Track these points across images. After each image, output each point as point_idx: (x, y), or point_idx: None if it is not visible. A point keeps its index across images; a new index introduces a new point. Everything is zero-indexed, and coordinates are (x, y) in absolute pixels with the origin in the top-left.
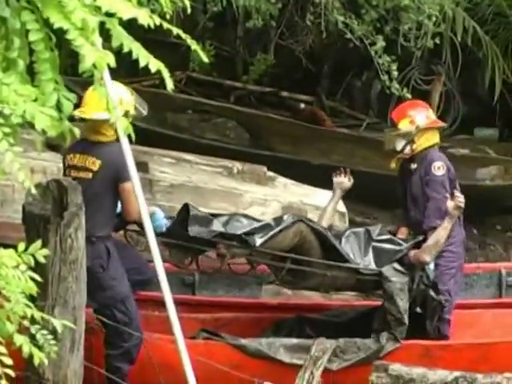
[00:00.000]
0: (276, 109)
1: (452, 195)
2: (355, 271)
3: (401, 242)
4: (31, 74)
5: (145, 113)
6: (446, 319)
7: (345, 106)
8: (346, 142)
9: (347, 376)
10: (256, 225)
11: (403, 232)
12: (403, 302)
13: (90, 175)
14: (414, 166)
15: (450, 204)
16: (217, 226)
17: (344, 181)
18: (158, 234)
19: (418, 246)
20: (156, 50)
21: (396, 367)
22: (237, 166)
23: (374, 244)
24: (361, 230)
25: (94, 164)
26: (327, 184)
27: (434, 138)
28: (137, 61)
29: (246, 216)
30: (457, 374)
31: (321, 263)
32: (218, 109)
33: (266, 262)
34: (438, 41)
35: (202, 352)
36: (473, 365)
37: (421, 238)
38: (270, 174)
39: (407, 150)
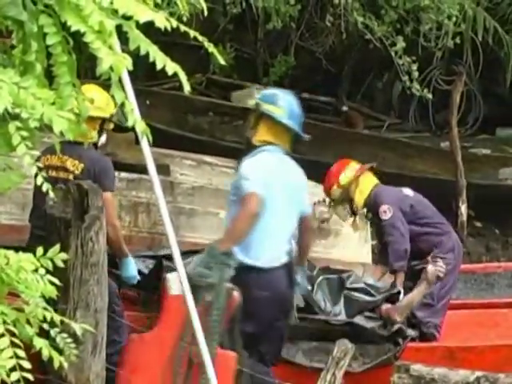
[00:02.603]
0: None
1: (435, 260)
2: (324, 322)
3: (373, 291)
4: (49, 77)
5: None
6: (428, 323)
7: (365, 107)
8: (368, 143)
9: (368, 378)
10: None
11: (378, 272)
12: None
13: (71, 176)
14: (369, 215)
15: (429, 270)
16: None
17: (324, 211)
18: (128, 285)
19: (390, 298)
20: (176, 52)
21: (417, 367)
22: None
23: (346, 292)
24: (334, 277)
25: (76, 167)
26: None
27: (368, 183)
28: (155, 64)
29: None
30: (479, 373)
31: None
32: (239, 111)
33: None
34: (458, 41)
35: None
36: (497, 366)
37: (394, 290)
38: None
39: (354, 209)
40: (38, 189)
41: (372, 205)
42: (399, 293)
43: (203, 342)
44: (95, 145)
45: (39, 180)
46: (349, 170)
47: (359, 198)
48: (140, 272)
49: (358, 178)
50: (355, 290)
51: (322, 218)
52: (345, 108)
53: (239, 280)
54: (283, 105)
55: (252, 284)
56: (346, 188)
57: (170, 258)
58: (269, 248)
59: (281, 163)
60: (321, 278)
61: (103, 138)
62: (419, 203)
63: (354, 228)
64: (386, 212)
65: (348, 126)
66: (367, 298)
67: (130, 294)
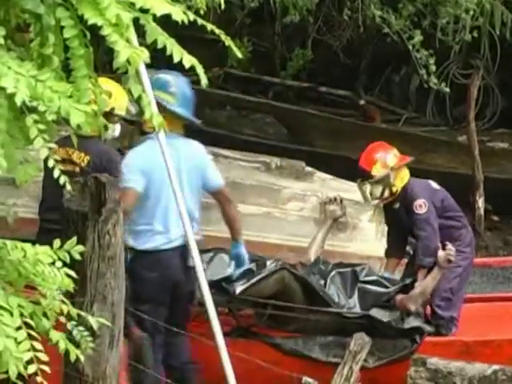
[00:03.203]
0: (314, 104)
1: (443, 246)
2: (339, 315)
3: (388, 283)
4: (66, 70)
5: (134, 111)
6: (447, 317)
7: (383, 100)
8: (385, 136)
9: (383, 373)
10: (237, 271)
11: (391, 265)
12: (410, 321)
13: (77, 169)
14: (396, 205)
15: (440, 255)
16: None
17: (336, 209)
18: None
19: (404, 289)
20: (194, 46)
21: (434, 361)
22: (275, 161)
23: (360, 285)
24: (347, 270)
25: (82, 159)
26: None
27: (406, 175)
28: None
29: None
30: (496, 367)
31: (303, 308)
32: (256, 104)
33: (246, 309)
34: (476, 34)
35: (239, 350)
36: None
37: (408, 281)
38: (309, 169)
39: (386, 194)
40: (47, 181)
41: (405, 196)
42: (413, 283)
43: None
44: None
45: (56, 173)
46: (394, 154)
47: (399, 184)
48: None
49: (402, 166)
50: (369, 282)
51: (334, 217)
52: (362, 102)
53: (131, 263)
54: (175, 91)
55: (141, 266)
56: (391, 169)
57: None
58: (158, 232)
59: (171, 149)
60: (333, 272)
61: (115, 131)
62: (446, 197)
63: (371, 218)
64: (422, 206)
65: (365, 119)
66: (381, 289)
67: None
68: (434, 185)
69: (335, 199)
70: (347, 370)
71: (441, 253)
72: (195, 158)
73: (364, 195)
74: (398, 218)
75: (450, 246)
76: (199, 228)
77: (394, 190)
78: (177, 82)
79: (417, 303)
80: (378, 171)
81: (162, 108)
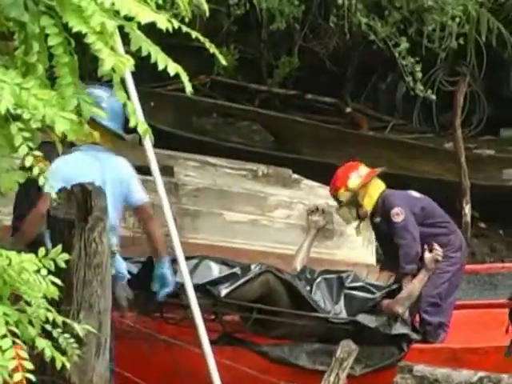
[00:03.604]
0: (301, 111)
1: (430, 248)
2: (325, 320)
3: (374, 289)
4: (51, 78)
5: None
6: (435, 323)
7: (369, 107)
8: (372, 144)
9: (371, 381)
10: (221, 274)
11: (382, 278)
12: (397, 327)
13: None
14: (377, 219)
15: (427, 256)
16: (181, 276)
17: (319, 219)
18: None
19: (391, 294)
20: (181, 54)
21: (420, 368)
22: (262, 169)
23: (346, 291)
24: (333, 276)
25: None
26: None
27: (377, 188)
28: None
29: (215, 260)
30: (481, 374)
31: (289, 313)
32: (243, 112)
33: (231, 313)
34: (462, 41)
35: (226, 358)
36: (501, 367)
37: (394, 286)
38: (295, 176)
39: (361, 213)
40: (19, 189)
41: (382, 208)
42: (399, 289)
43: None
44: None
45: (41, 180)
46: (358, 174)
47: (368, 202)
48: (130, 272)
49: (368, 183)
50: (355, 288)
51: (317, 227)
52: (348, 109)
53: None
54: (105, 107)
55: None
56: (355, 192)
57: None
58: None
59: (96, 161)
60: (319, 278)
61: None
62: (428, 204)
63: (357, 232)
64: (399, 214)
65: (352, 127)
66: (368, 295)
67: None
68: (415, 194)
69: (317, 209)
70: (334, 377)
71: (427, 254)
72: (120, 171)
73: (343, 219)
74: (381, 231)
75: (436, 246)
76: (118, 241)
77: (365, 208)
78: (108, 98)
79: (404, 306)
80: (343, 196)
81: (92, 122)
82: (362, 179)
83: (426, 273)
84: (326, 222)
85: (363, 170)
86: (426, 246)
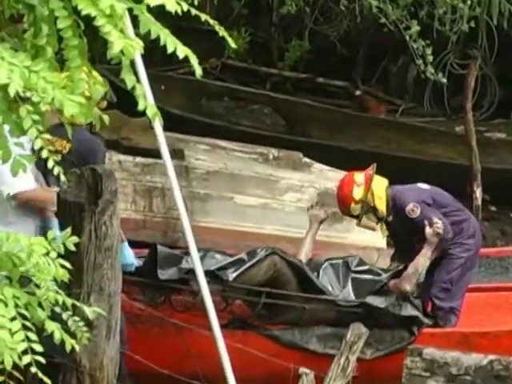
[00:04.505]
0: (312, 95)
1: (430, 222)
2: (334, 303)
3: (380, 271)
4: (60, 61)
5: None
6: (447, 308)
7: (380, 91)
8: (382, 127)
9: (380, 364)
10: (229, 260)
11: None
12: (408, 310)
13: (59, 156)
14: (390, 218)
15: (428, 231)
16: (188, 263)
17: (319, 213)
18: (126, 272)
19: (398, 275)
20: (191, 37)
21: (430, 351)
22: (272, 152)
23: (353, 275)
24: (339, 261)
25: (64, 146)
26: (364, 170)
27: (381, 186)
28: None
29: (220, 252)
30: (492, 357)
31: (298, 296)
32: (254, 95)
33: (240, 297)
34: (473, 24)
35: (237, 342)
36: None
37: (400, 267)
38: (306, 160)
39: (380, 216)
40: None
41: (394, 207)
42: (405, 268)
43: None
44: (90, 126)
45: (51, 163)
46: (357, 184)
47: (380, 203)
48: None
49: (370, 186)
50: (362, 272)
51: (318, 220)
52: (358, 92)
53: None
54: None
55: None
56: (363, 201)
57: None
58: None
59: None
60: (325, 264)
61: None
62: (438, 194)
63: (382, 233)
64: (415, 210)
65: (361, 110)
66: (375, 277)
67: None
68: (423, 186)
69: (317, 203)
70: (344, 360)
71: (428, 229)
72: None
73: (368, 229)
74: (395, 229)
75: (435, 219)
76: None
77: (381, 211)
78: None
79: (411, 283)
80: (356, 210)
81: None
82: (364, 186)
83: (429, 247)
84: (327, 214)
85: (359, 177)
86: (426, 222)
